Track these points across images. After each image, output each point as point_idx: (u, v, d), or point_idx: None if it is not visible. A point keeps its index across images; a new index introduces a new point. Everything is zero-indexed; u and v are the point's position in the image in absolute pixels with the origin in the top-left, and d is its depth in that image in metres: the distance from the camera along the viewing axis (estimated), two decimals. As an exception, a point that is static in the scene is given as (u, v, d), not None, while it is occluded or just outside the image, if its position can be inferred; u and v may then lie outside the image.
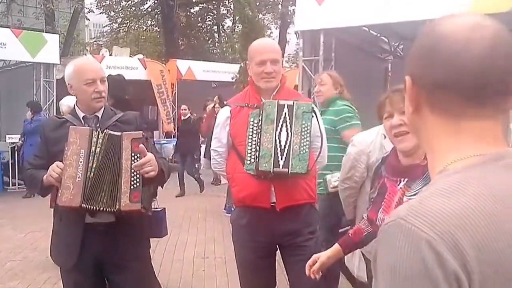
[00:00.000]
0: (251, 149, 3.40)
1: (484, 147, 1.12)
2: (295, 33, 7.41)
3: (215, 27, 34.65)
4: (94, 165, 3.06)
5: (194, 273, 6.51)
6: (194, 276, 6.43)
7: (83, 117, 3.29)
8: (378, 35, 7.98)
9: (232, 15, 32.88)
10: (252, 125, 3.42)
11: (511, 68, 1.10)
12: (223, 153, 3.64)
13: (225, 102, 3.82)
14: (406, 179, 2.50)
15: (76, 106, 3.33)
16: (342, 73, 7.19)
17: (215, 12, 33.63)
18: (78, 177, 3.01)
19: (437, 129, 1.17)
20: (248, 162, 3.40)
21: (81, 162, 3.03)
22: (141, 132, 3.18)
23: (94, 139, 3.07)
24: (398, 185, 2.53)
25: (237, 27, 31.36)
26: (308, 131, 3.37)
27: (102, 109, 3.33)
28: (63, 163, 3.03)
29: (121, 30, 32.84)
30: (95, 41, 35.95)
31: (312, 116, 3.42)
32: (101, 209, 3.04)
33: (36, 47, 12.17)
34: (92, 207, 3.04)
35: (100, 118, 3.30)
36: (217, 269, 6.59)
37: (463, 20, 1.13)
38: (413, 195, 2.41)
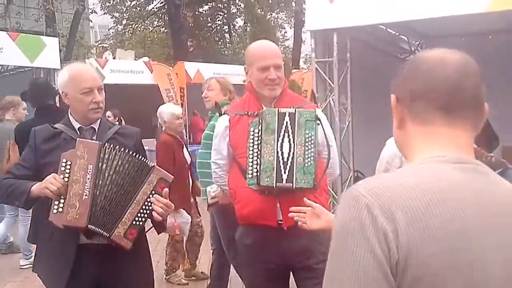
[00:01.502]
0: (252, 162, 3.31)
1: (448, 151, 1.39)
2: (310, 32, 7.33)
3: (226, 27, 34.66)
4: (101, 182, 3.00)
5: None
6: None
7: (78, 128, 3.23)
8: (397, 33, 7.86)
9: (243, 14, 32.87)
10: (253, 135, 3.33)
11: (479, 84, 1.39)
12: (224, 166, 3.57)
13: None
14: None
15: (70, 116, 3.27)
16: (358, 74, 7.18)
17: (225, 11, 33.61)
18: (85, 195, 2.96)
19: (416, 137, 1.44)
20: (250, 176, 3.31)
21: (88, 178, 2.97)
22: (172, 177, 3.16)
23: (102, 155, 3.01)
24: None
25: (249, 26, 31.36)
26: (313, 141, 3.27)
27: (99, 121, 3.28)
28: (66, 177, 2.97)
29: (127, 32, 32.96)
30: (100, 43, 36.12)
31: (318, 124, 3.33)
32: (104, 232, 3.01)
33: (34, 51, 12.16)
34: (98, 229, 2.98)
35: (97, 130, 3.25)
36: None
37: (438, 49, 1.45)
38: None
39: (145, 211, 3.02)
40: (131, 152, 3.07)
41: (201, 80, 17.94)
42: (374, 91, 7.39)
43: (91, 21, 28.81)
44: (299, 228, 3.33)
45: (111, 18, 32.53)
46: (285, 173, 3.24)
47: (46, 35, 16.30)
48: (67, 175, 2.97)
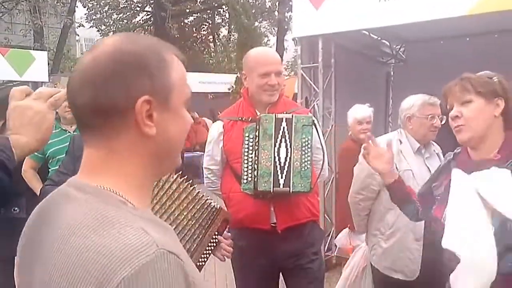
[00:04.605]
0: (247, 167, 3.28)
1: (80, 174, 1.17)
2: (292, 40, 7.35)
3: (210, 36, 34.67)
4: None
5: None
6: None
7: None
8: (379, 38, 7.88)
9: (227, 24, 32.92)
10: (248, 140, 3.30)
11: (106, 86, 1.08)
12: (217, 171, 3.52)
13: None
14: None
15: None
16: (342, 79, 7.19)
17: (210, 22, 33.65)
18: None
19: None
20: (245, 181, 3.28)
21: None
22: (230, 214, 3.06)
23: None
24: None
25: (233, 35, 31.40)
26: (309, 145, 3.26)
27: None
28: None
29: (113, 44, 32.84)
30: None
31: (312, 128, 3.31)
32: None
33: (23, 65, 12.15)
34: None
35: None
36: (218, 293, 6.44)
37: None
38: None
39: (208, 251, 2.94)
40: (193, 188, 2.86)
41: (187, 89, 17.92)
42: (357, 95, 7.40)
43: (78, 35, 28.70)
44: (292, 230, 3.32)
45: (98, 31, 32.42)
46: (282, 177, 3.22)
47: (34, 50, 16.26)
48: None
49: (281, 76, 3.41)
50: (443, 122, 3.53)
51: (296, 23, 7.11)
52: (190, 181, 2.85)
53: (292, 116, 3.28)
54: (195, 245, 2.87)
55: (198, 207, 2.85)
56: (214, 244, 2.93)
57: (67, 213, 1.09)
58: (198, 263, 2.90)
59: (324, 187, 7.01)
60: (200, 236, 2.87)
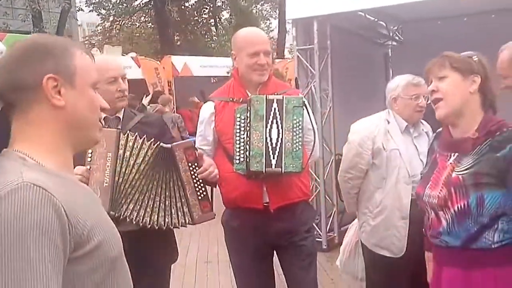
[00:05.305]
0: (239, 148, 3.32)
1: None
2: (291, 21, 7.38)
3: (212, 20, 34.52)
4: (124, 170, 2.92)
5: (196, 279, 6.46)
6: (196, 282, 6.39)
7: (104, 118, 3.16)
8: (375, 19, 7.86)
9: (228, 7, 32.78)
10: (239, 121, 3.33)
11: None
12: (210, 152, 3.53)
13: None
14: (456, 154, 2.49)
15: None
16: (338, 60, 7.19)
17: (211, 5, 33.48)
18: (106, 182, 2.88)
19: None
20: (238, 161, 3.32)
21: (108, 166, 2.90)
22: (191, 140, 3.14)
23: (122, 142, 2.93)
24: (448, 160, 2.52)
25: (234, 18, 31.35)
26: (300, 126, 3.29)
27: (123, 110, 3.26)
28: (88, 167, 2.91)
29: (114, 28, 32.75)
30: (87, 40, 35.87)
31: (303, 110, 3.35)
32: (138, 221, 2.92)
33: (22, 50, 12.10)
34: (120, 215, 2.89)
35: (121, 119, 3.23)
36: (220, 274, 6.52)
37: None
38: (462, 170, 2.40)
39: (199, 183, 3.00)
40: (161, 145, 2.97)
41: (188, 73, 17.94)
42: (354, 76, 7.44)
43: (78, 20, 28.60)
44: (284, 209, 3.39)
45: (98, 15, 32.30)
46: (274, 158, 3.25)
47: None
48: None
49: (269, 56, 3.44)
50: (429, 102, 3.59)
51: (291, 5, 7.10)
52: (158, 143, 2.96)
53: (283, 97, 3.31)
54: (183, 189, 2.97)
55: (158, 158, 2.95)
56: (196, 173, 2.98)
57: None
58: (200, 197, 2.99)
59: (323, 169, 7.08)
60: (175, 177, 2.95)
